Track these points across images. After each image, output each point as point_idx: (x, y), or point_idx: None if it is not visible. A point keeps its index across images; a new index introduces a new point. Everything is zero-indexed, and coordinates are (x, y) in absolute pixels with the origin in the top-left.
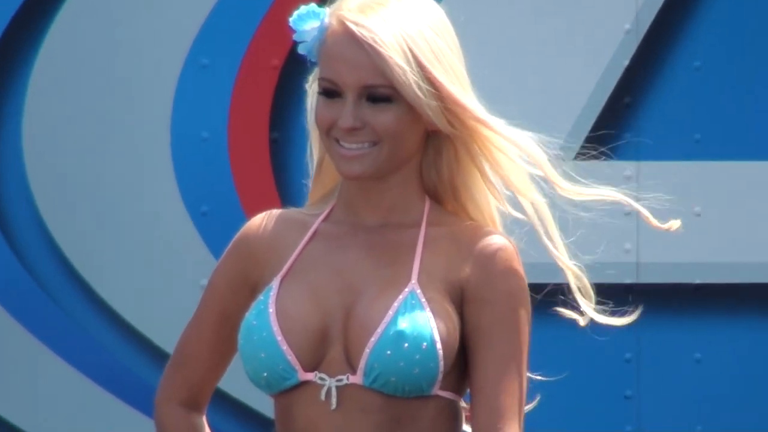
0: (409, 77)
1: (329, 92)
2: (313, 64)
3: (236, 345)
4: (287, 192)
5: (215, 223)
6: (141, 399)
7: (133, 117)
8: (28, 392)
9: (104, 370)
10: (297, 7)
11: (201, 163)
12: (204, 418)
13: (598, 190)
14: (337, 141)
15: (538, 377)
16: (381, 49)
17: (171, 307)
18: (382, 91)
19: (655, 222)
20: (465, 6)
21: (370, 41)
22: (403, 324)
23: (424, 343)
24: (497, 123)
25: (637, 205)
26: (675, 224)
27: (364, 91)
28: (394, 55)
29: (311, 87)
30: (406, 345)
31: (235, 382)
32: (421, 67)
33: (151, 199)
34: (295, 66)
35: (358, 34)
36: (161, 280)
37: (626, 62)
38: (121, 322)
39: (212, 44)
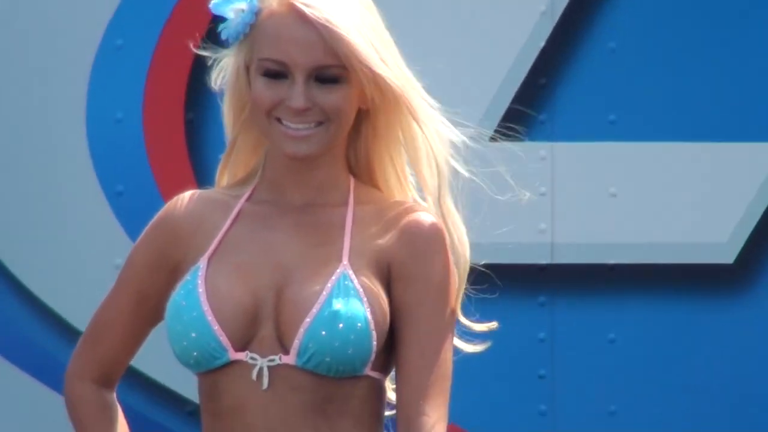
0: (368, 51)
1: (273, 73)
2: (232, 45)
3: (151, 324)
4: (203, 172)
5: (130, 203)
6: (51, 375)
7: (49, 98)
8: None
9: (15, 346)
10: None
11: (116, 143)
12: (115, 395)
13: (460, 224)
14: (279, 121)
15: (468, 346)
16: (336, 29)
17: (85, 286)
18: (332, 72)
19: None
20: None
21: (325, 22)
22: (338, 305)
23: (359, 323)
24: (426, 114)
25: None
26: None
27: (314, 72)
28: (350, 33)
29: (229, 66)
30: (341, 325)
31: (147, 359)
32: (372, 45)
33: (66, 179)
34: (211, 46)
35: (310, 14)
36: (75, 260)
37: (542, 43)
38: (34, 299)
39: (127, 25)
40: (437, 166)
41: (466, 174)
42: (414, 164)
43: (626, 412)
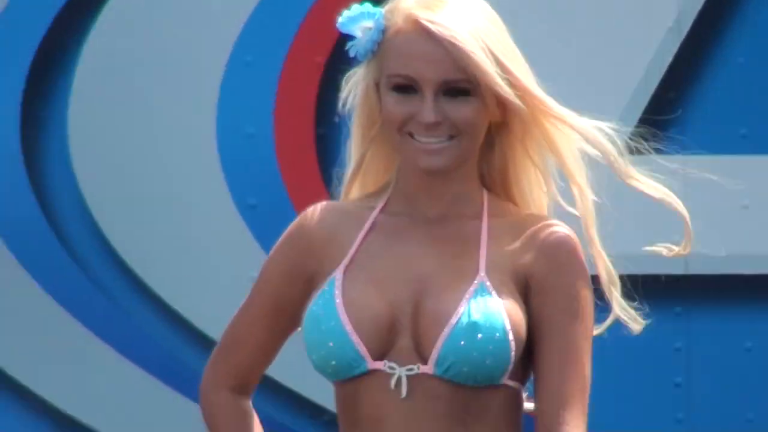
0: (491, 69)
1: (403, 88)
2: (361, 63)
3: (286, 334)
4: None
5: (263, 215)
6: (188, 385)
7: (179, 114)
8: (78, 381)
9: (155, 359)
10: (342, 4)
11: (247, 158)
12: (250, 403)
13: (656, 184)
14: (411, 135)
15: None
16: (462, 45)
17: (221, 299)
18: (461, 85)
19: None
20: (511, 3)
21: (450, 38)
22: (476, 314)
23: (497, 333)
24: (567, 114)
25: (681, 210)
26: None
27: (443, 86)
28: (475, 49)
29: (359, 84)
30: (480, 335)
31: (283, 368)
32: (497, 60)
33: (199, 194)
34: (339, 62)
35: (436, 31)
36: (211, 273)
37: (670, 59)
38: (172, 312)
39: (256, 42)
40: (599, 147)
41: (621, 161)
42: (562, 166)
43: (764, 420)
